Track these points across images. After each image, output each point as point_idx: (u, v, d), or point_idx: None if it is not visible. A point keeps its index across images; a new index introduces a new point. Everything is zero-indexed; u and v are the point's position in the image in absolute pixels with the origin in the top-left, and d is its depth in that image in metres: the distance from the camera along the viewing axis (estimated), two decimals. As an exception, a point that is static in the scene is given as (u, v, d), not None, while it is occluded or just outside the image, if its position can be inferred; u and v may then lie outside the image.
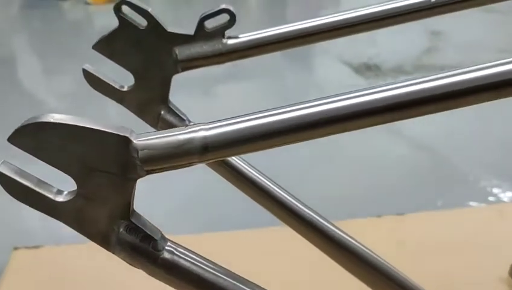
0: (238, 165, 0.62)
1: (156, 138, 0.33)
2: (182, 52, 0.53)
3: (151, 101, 0.55)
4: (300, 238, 0.68)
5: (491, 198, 1.24)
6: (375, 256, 0.69)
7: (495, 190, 1.29)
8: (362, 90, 0.35)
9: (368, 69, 2.19)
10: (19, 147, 0.33)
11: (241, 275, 0.41)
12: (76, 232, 0.36)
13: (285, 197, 0.65)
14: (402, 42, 2.34)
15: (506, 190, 1.28)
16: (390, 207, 1.24)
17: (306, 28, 0.54)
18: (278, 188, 0.65)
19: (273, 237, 1.11)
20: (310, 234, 0.67)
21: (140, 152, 0.33)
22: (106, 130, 0.33)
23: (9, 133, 0.33)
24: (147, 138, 0.33)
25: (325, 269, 0.85)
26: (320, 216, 0.67)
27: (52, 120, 0.32)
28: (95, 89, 0.55)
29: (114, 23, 0.54)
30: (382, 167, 1.46)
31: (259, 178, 0.64)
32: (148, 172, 0.34)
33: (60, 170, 0.34)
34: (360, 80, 2.07)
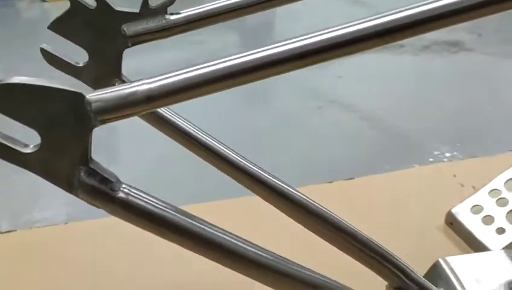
0: (189, 129, 0.69)
1: (106, 92, 0.40)
2: (129, 28, 0.59)
3: (105, 74, 0.61)
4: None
5: (431, 159, 1.35)
6: (337, 217, 0.76)
7: (435, 152, 1.40)
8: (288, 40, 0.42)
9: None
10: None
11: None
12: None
13: (244, 162, 0.72)
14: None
15: (445, 152, 1.39)
16: (342, 173, 1.33)
17: (240, 2, 0.61)
18: (234, 153, 0.72)
19: (233, 208, 1.19)
20: (269, 196, 0.74)
21: (93, 104, 0.39)
22: (64, 88, 0.39)
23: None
24: (98, 93, 0.40)
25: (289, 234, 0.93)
26: (275, 177, 0.74)
27: (18, 81, 0.39)
28: (54, 66, 0.61)
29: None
30: (334, 138, 1.55)
31: (212, 142, 0.71)
32: (101, 122, 0.40)
33: (26, 125, 0.40)
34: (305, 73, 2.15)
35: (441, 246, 1.05)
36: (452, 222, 1.09)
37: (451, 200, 1.14)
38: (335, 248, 0.78)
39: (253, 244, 0.52)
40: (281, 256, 0.55)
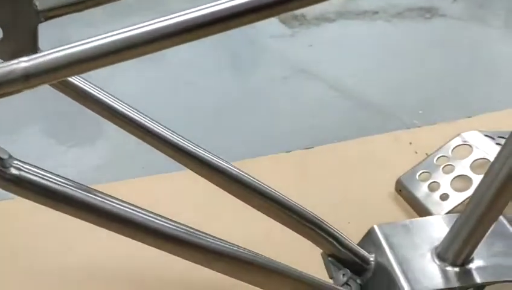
0: (116, 105, 0.70)
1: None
2: (41, 3, 0.59)
3: (21, 50, 0.61)
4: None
5: (393, 127, 1.36)
6: (270, 189, 0.77)
7: (398, 120, 1.41)
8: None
9: (294, 19, 2.26)
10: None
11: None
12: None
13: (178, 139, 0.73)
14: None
15: (408, 120, 1.41)
16: (303, 143, 1.35)
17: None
18: (164, 128, 0.72)
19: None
20: (201, 170, 0.75)
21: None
22: None
23: None
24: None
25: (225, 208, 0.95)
26: (207, 151, 0.75)
27: None
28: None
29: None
30: (298, 107, 1.56)
31: (141, 117, 0.72)
32: (-17, 101, 0.41)
33: None
34: (285, 29, 2.13)
35: (388, 213, 1.07)
36: (401, 189, 1.11)
37: (404, 167, 1.15)
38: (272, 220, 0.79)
39: (164, 218, 0.53)
40: (196, 229, 0.56)
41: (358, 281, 0.79)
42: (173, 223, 0.53)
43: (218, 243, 0.57)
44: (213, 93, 1.67)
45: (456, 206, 1.00)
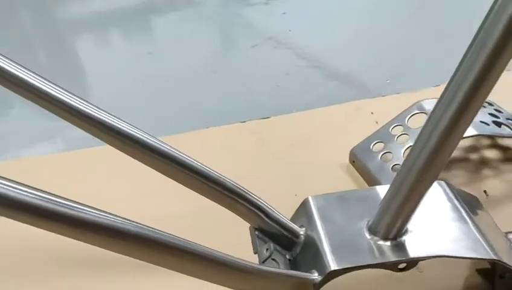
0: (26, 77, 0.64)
1: None
2: None
3: None
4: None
5: (356, 96, 1.30)
6: (194, 161, 0.71)
7: (364, 89, 1.35)
8: None
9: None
10: None
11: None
12: None
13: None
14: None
15: (373, 89, 1.34)
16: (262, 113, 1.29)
17: None
18: (80, 101, 0.66)
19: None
20: (121, 144, 0.69)
21: None
22: None
23: None
24: None
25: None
26: (126, 123, 0.68)
27: None
28: None
29: None
30: (262, 77, 1.49)
31: (54, 89, 0.65)
32: None
33: None
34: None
35: (339, 185, 1.01)
36: (354, 160, 1.05)
37: (363, 138, 1.09)
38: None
39: (69, 200, 0.47)
40: (107, 212, 0.50)
41: (288, 256, 0.74)
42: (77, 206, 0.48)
43: (115, 220, 0.51)
44: (176, 62, 1.60)
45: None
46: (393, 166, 0.98)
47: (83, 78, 1.66)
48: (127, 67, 1.61)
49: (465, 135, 0.94)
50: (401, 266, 0.69)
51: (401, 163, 0.97)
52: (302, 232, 0.74)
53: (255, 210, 0.73)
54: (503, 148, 1.10)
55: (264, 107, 1.33)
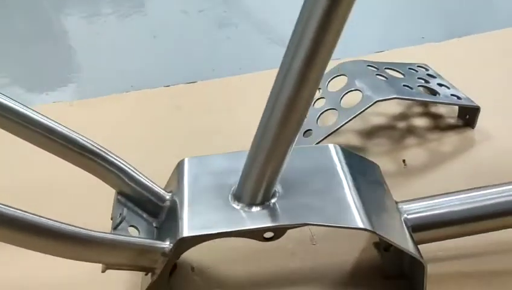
0: None
1: None
2: None
3: None
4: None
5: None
6: (53, 122, 0.65)
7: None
8: None
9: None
10: None
11: None
12: None
13: None
14: None
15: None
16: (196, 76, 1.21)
17: None
18: None
19: None
20: None
21: None
22: None
23: None
24: None
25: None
26: None
27: None
28: None
29: None
30: (206, 39, 1.41)
31: None
32: None
33: None
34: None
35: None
36: (271, 126, 0.98)
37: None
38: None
39: None
40: None
41: (155, 224, 0.67)
42: None
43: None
44: (116, 24, 1.52)
45: (317, 143, 0.87)
46: (305, 132, 0.90)
47: None
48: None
49: (378, 99, 0.88)
50: (268, 235, 0.63)
51: (313, 128, 0.91)
52: (168, 197, 0.67)
53: (116, 172, 0.66)
54: (435, 116, 1.01)
55: (197, 70, 1.26)
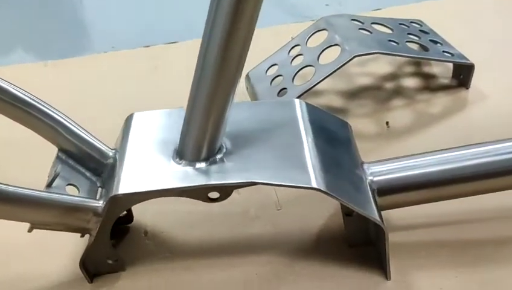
0: None
1: None
2: None
3: None
4: None
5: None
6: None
7: (298, 15, 1.19)
8: None
9: None
10: None
11: None
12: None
13: None
14: None
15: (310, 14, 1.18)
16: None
17: None
18: None
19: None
20: None
21: None
22: None
23: None
24: None
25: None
26: None
27: None
28: None
29: None
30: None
31: None
32: None
33: None
34: None
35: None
36: (248, 86, 0.91)
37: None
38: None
39: None
40: None
41: (99, 183, 0.62)
42: None
43: None
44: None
45: (292, 104, 0.80)
46: (280, 90, 0.84)
47: None
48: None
49: (357, 54, 0.80)
50: (213, 195, 0.57)
51: (288, 86, 0.84)
52: (111, 154, 0.62)
53: (54, 125, 0.61)
54: (427, 76, 0.93)
55: (179, 32, 1.19)
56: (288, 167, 0.55)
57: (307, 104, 0.66)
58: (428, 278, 0.60)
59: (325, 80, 0.92)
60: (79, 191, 0.61)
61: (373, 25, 0.89)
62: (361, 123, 0.84)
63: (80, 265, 0.60)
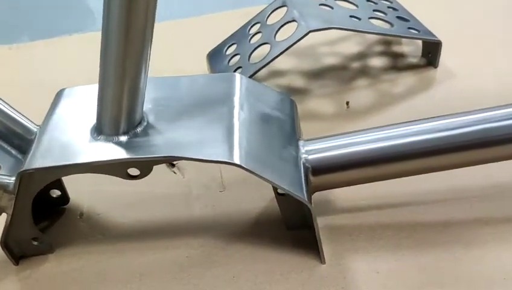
0: None
1: None
2: None
3: None
4: None
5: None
6: None
7: None
8: None
9: None
10: None
11: None
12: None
13: None
14: None
15: None
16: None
17: None
18: None
19: None
20: None
21: None
22: None
23: None
24: None
25: None
26: None
27: None
28: None
29: None
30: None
31: None
32: None
33: None
34: None
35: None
36: (207, 68, 0.88)
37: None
38: None
39: None
40: None
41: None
42: None
43: None
44: None
45: (246, 83, 0.77)
46: (235, 70, 0.80)
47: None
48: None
49: (312, 29, 0.76)
50: (133, 172, 0.54)
51: (243, 65, 0.80)
52: (36, 130, 0.59)
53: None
54: (395, 56, 0.89)
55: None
56: (212, 142, 0.52)
57: (248, 79, 0.63)
58: (366, 262, 0.56)
59: (289, 60, 0.89)
60: (0, 169, 0.58)
61: (337, 1, 0.85)
62: (320, 103, 0.80)
63: (1, 245, 0.57)
